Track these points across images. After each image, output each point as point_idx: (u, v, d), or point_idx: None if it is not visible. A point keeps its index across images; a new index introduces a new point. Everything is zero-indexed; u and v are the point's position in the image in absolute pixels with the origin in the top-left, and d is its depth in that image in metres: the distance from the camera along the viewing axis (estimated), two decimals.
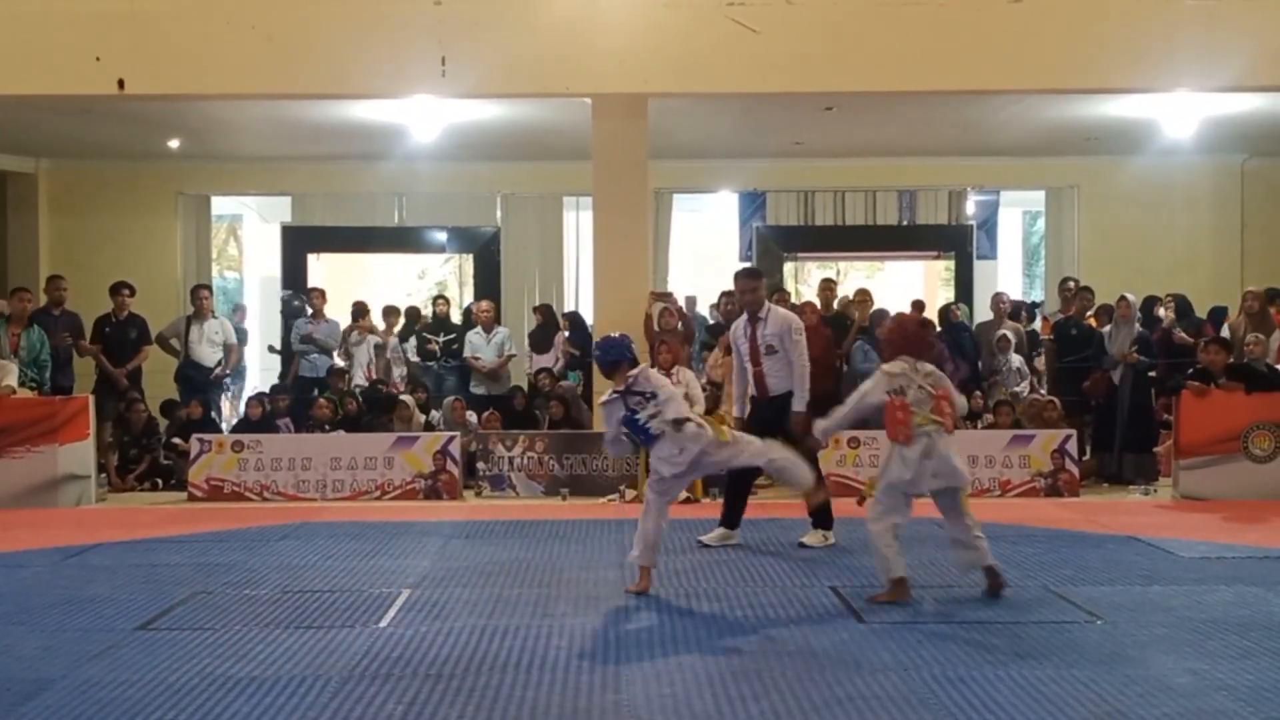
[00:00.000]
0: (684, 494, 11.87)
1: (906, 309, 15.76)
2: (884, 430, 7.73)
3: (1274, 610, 7.31)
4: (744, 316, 9.70)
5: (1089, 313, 14.57)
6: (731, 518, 9.68)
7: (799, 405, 9.28)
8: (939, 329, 14.33)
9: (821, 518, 9.52)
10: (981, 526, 7.68)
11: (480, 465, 12.68)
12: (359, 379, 14.88)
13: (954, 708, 5.48)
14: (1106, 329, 13.80)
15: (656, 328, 12.78)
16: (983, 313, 16.04)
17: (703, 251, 23.00)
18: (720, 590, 7.93)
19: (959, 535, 7.64)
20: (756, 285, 9.71)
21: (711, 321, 15.11)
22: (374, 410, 13.69)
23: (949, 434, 7.57)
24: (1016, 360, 14.17)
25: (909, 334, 7.93)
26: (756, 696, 5.64)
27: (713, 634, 6.83)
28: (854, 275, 24.90)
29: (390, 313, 15.92)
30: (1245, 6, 12.39)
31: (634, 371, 7.85)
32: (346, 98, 13.60)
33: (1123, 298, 13.58)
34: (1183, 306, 14.63)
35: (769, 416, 9.33)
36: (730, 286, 14.33)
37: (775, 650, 6.44)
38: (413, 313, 16.41)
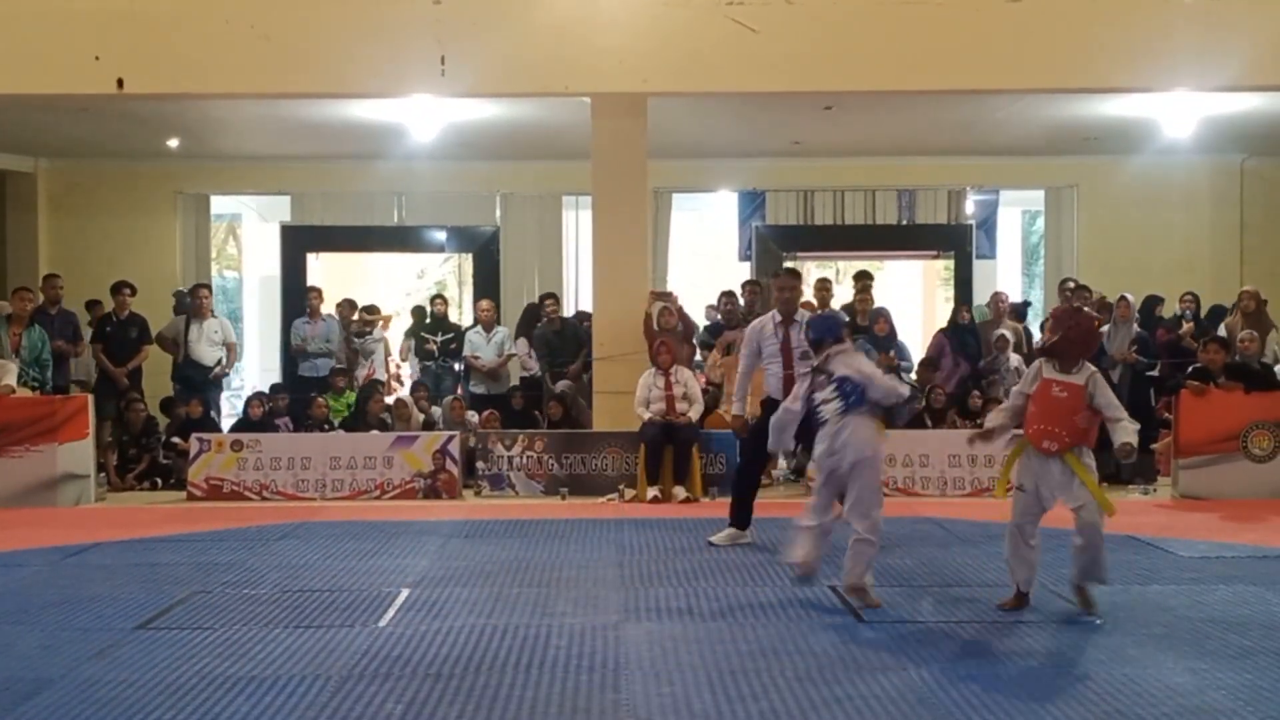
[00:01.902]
0: (684, 493, 11.92)
1: (903, 309, 15.83)
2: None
3: (1273, 609, 7.32)
4: (772, 316, 9.56)
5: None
6: (741, 517, 9.63)
7: None
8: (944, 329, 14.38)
9: None
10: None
11: (479, 464, 12.68)
12: (379, 375, 15.04)
13: (953, 707, 5.48)
14: (1105, 329, 13.81)
15: (656, 327, 12.79)
16: (982, 312, 16.02)
17: (702, 251, 22.99)
18: (720, 590, 7.93)
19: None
20: (796, 284, 9.54)
21: (708, 322, 15.09)
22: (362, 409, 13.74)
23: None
24: (1015, 359, 14.16)
25: (1093, 333, 7.52)
26: (756, 696, 5.65)
27: (712, 634, 6.83)
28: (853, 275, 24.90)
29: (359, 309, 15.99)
30: (1243, 6, 12.39)
31: (838, 348, 7.64)
32: (345, 97, 13.60)
33: (1122, 298, 13.60)
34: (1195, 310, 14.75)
35: None
36: (729, 286, 14.42)
37: (775, 650, 6.44)
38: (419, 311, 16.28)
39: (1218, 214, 18.13)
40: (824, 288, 14.74)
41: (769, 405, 9.30)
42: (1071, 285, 15.13)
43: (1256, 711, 5.40)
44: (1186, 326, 14.53)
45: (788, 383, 9.07)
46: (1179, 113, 14.78)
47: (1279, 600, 7.53)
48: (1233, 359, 12.69)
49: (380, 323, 15.78)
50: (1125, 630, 6.82)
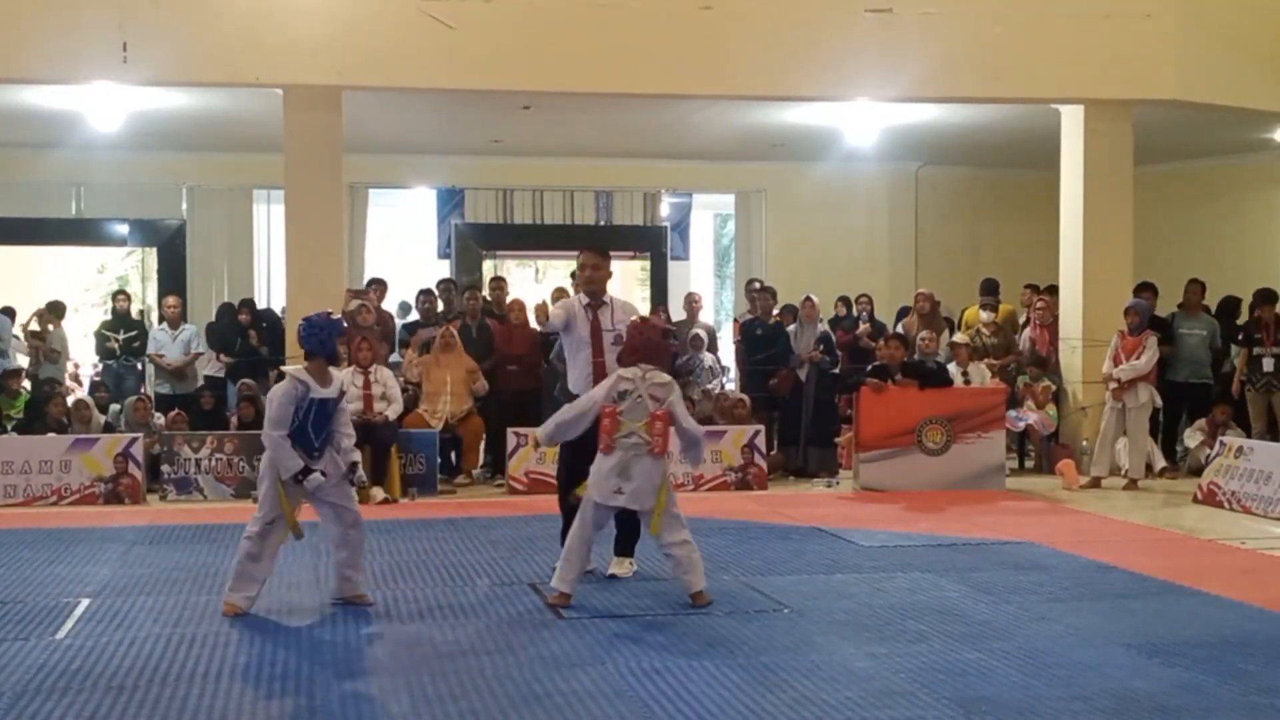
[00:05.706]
0: (382, 494, 11.76)
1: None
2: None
3: (946, 595, 7.73)
4: (578, 298, 8.66)
5: (775, 312, 15.06)
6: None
7: None
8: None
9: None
10: (692, 545, 7.36)
11: (165, 468, 12.20)
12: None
13: (649, 699, 5.59)
14: (792, 328, 14.32)
15: (353, 325, 12.57)
16: (676, 312, 16.35)
17: (400, 248, 22.72)
18: (417, 592, 7.86)
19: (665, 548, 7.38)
20: (602, 263, 8.58)
21: (404, 320, 14.91)
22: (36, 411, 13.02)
23: (654, 454, 7.25)
24: (709, 359, 14.54)
25: (650, 342, 7.57)
26: (455, 696, 5.62)
27: (409, 636, 6.77)
28: (553, 274, 25.06)
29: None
30: (918, 22, 13.01)
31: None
32: (18, 83, 12.84)
33: (808, 299, 14.10)
34: (871, 311, 15.50)
35: None
36: (428, 284, 14.30)
37: (475, 649, 6.43)
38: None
39: (895, 219, 19.09)
40: (499, 286, 14.49)
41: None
42: (758, 286, 15.61)
43: (931, 691, 5.69)
44: (864, 327, 15.26)
45: (598, 370, 8.24)
46: (861, 122, 15.43)
47: (951, 586, 7.96)
48: (911, 357, 13.37)
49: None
50: (811, 618, 7.08)
